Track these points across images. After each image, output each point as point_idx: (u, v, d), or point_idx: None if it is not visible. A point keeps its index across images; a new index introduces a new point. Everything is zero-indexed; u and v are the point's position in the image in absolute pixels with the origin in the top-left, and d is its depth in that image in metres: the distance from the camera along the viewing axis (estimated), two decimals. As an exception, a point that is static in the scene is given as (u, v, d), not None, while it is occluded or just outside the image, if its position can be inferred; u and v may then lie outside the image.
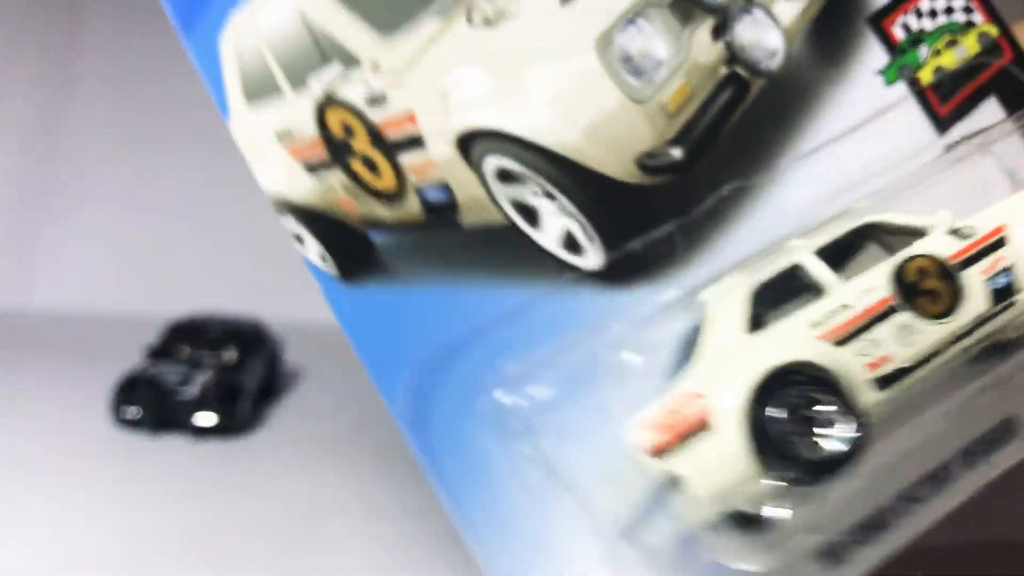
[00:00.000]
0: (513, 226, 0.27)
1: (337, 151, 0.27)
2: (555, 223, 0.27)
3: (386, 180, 0.28)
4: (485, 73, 0.26)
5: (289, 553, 0.35)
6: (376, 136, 0.27)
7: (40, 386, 0.56)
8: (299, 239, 0.28)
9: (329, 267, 0.28)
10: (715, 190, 0.27)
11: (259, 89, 0.28)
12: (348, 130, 0.27)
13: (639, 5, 0.26)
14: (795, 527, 0.24)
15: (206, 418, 0.47)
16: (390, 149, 0.27)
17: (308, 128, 0.27)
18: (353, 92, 0.27)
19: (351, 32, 0.27)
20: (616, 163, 0.26)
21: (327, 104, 0.27)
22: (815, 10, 0.28)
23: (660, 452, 0.24)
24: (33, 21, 0.81)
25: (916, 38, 0.29)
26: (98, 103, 0.81)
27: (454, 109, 0.26)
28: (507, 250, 0.27)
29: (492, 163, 0.26)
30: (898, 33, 0.29)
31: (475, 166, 0.26)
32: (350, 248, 0.28)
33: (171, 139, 0.81)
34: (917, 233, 0.26)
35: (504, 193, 0.27)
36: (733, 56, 0.27)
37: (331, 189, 0.28)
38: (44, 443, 0.46)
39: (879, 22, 0.29)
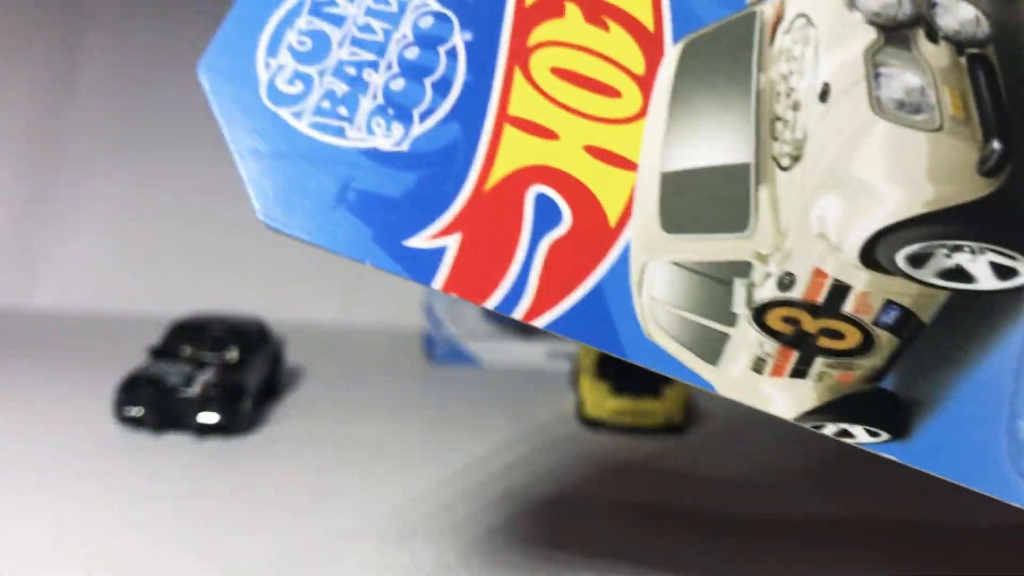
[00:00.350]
0: (958, 293, 0.28)
1: (801, 344, 0.27)
2: (980, 265, 0.28)
3: (852, 336, 0.28)
4: (829, 193, 0.27)
5: (290, 551, 0.35)
6: (814, 308, 0.27)
7: (43, 385, 0.57)
8: (847, 434, 0.28)
9: (883, 437, 0.28)
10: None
11: (708, 348, 0.28)
12: (792, 321, 0.27)
13: (868, 62, 0.27)
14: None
15: (208, 417, 0.47)
16: (830, 309, 0.27)
17: (767, 346, 0.27)
18: (767, 291, 0.27)
19: (724, 248, 0.27)
20: (972, 185, 0.27)
21: (760, 316, 0.27)
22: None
23: None
24: (36, 22, 0.81)
25: None
26: (101, 103, 0.81)
27: (838, 240, 0.27)
28: (971, 315, 0.28)
29: (900, 257, 0.27)
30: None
31: (891, 270, 0.27)
32: (883, 409, 0.28)
33: (173, 139, 0.81)
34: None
35: (928, 273, 0.27)
36: (957, 44, 0.28)
37: (825, 375, 0.28)
38: (47, 441, 0.46)
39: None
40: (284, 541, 0.36)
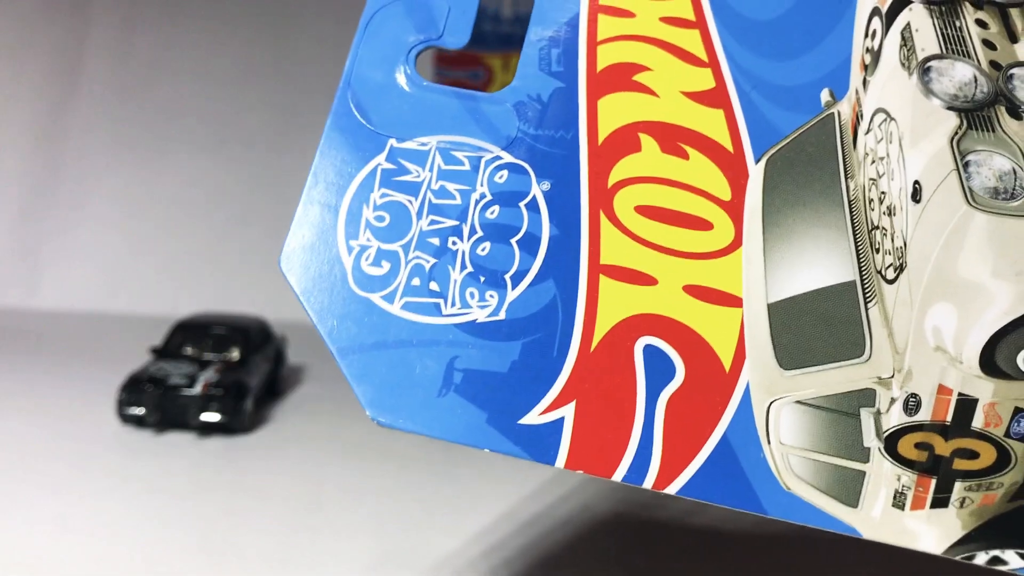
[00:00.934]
0: None
1: (938, 470, 0.26)
2: None
3: (986, 453, 0.26)
4: (939, 301, 0.26)
5: (291, 548, 0.35)
6: (944, 429, 0.26)
7: (46, 385, 0.56)
8: (999, 560, 0.27)
9: None
10: None
11: (847, 490, 0.26)
12: (924, 446, 0.26)
13: (954, 152, 0.26)
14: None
15: (210, 416, 0.47)
16: (960, 427, 0.26)
17: (904, 478, 0.26)
18: (895, 418, 0.26)
19: (845, 378, 0.26)
20: None
21: (892, 446, 0.26)
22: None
23: None
24: (39, 24, 0.82)
25: None
26: (104, 104, 0.81)
27: (956, 351, 0.26)
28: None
29: (1022, 359, 0.26)
30: None
31: (1014, 375, 0.26)
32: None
33: (176, 140, 0.81)
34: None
35: None
36: None
37: (967, 500, 0.27)
38: (51, 440, 0.46)
39: None
40: (285, 537, 0.36)
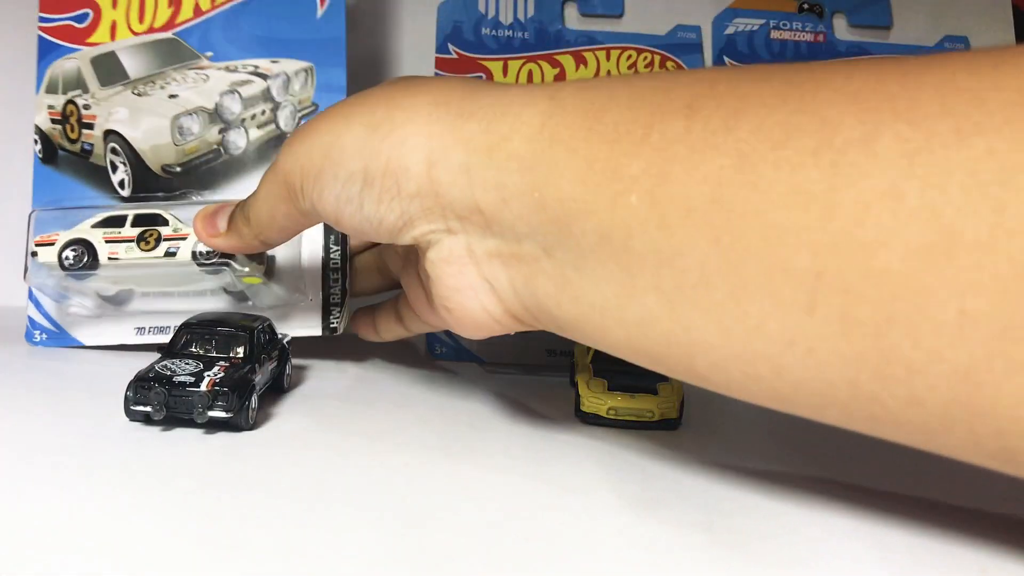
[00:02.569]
0: None
1: None
2: None
3: None
4: None
5: (295, 542, 0.36)
6: None
7: (54, 383, 0.57)
8: None
9: None
10: None
11: None
12: None
13: None
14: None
15: (216, 413, 0.48)
16: None
17: None
18: None
19: None
20: None
21: None
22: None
23: None
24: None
25: None
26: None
27: None
28: None
29: None
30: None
31: None
32: None
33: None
34: None
35: None
36: None
37: None
38: (59, 438, 0.46)
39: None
40: (289, 531, 0.37)
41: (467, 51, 0.76)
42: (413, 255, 0.55)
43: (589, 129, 0.38)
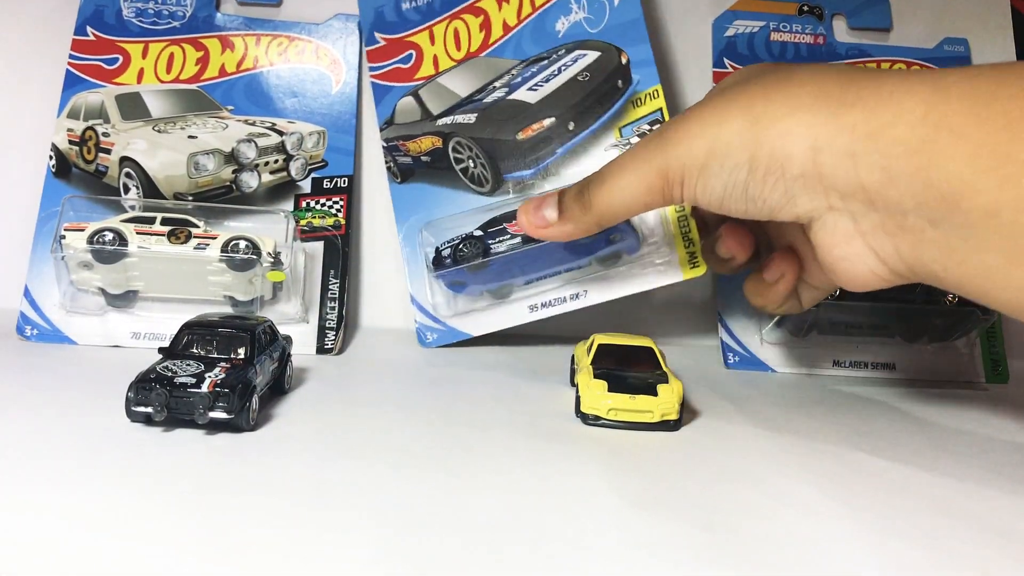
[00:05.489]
0: None
1: None
2: None
3: None
4: None
5: (295, 542, 0.36)
6: None
7: (57, 384, 0.57)
8: None
9: None
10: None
11: None
12: None
13: None
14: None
15: (217, 414, 0.48)
16: None
17: None
18: None
19: None
20: None
21: None
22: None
23: None
24: (44, 24, 0.82)
25: None
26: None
27: None
28: None
29: None
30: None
31: None
32: None
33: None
34: None
35: None
36: None
37: None
38: (62, 438, 0.46)
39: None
40: (289, 532, 0.37)
41: (392, 34, 0.77)
42: (786, 229, 0.60)
43: (977, 116, 0.42)
